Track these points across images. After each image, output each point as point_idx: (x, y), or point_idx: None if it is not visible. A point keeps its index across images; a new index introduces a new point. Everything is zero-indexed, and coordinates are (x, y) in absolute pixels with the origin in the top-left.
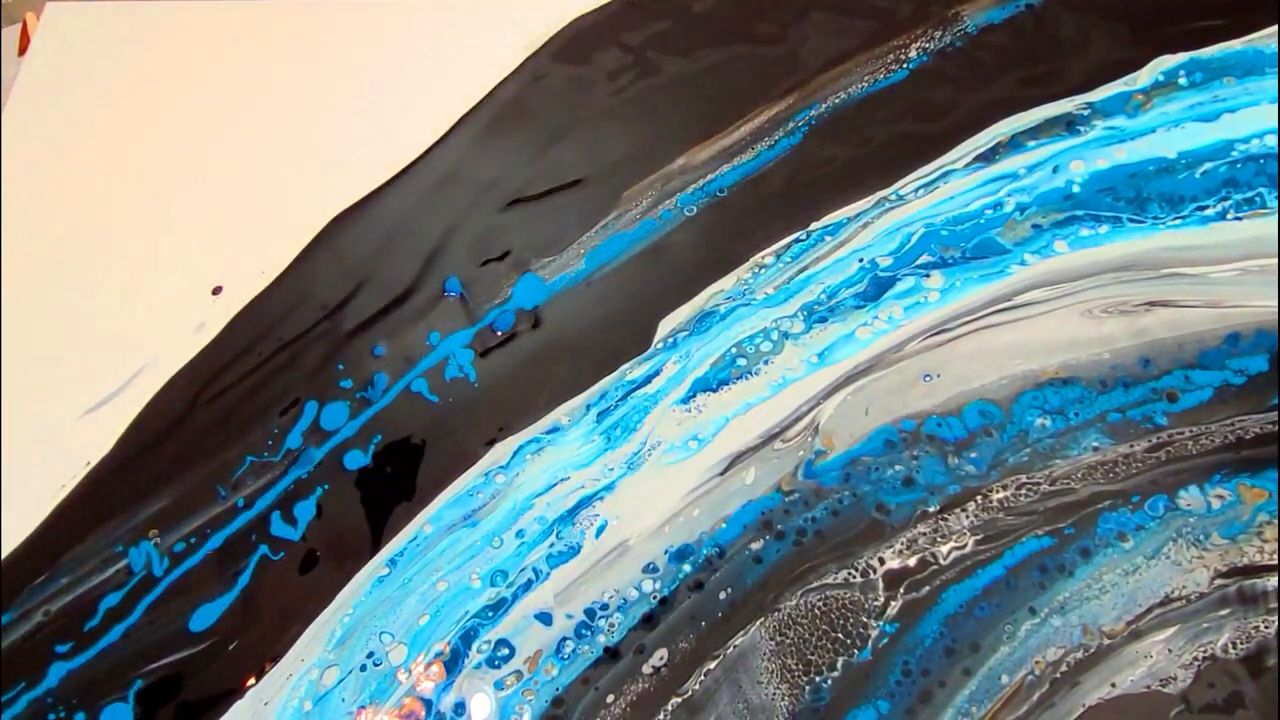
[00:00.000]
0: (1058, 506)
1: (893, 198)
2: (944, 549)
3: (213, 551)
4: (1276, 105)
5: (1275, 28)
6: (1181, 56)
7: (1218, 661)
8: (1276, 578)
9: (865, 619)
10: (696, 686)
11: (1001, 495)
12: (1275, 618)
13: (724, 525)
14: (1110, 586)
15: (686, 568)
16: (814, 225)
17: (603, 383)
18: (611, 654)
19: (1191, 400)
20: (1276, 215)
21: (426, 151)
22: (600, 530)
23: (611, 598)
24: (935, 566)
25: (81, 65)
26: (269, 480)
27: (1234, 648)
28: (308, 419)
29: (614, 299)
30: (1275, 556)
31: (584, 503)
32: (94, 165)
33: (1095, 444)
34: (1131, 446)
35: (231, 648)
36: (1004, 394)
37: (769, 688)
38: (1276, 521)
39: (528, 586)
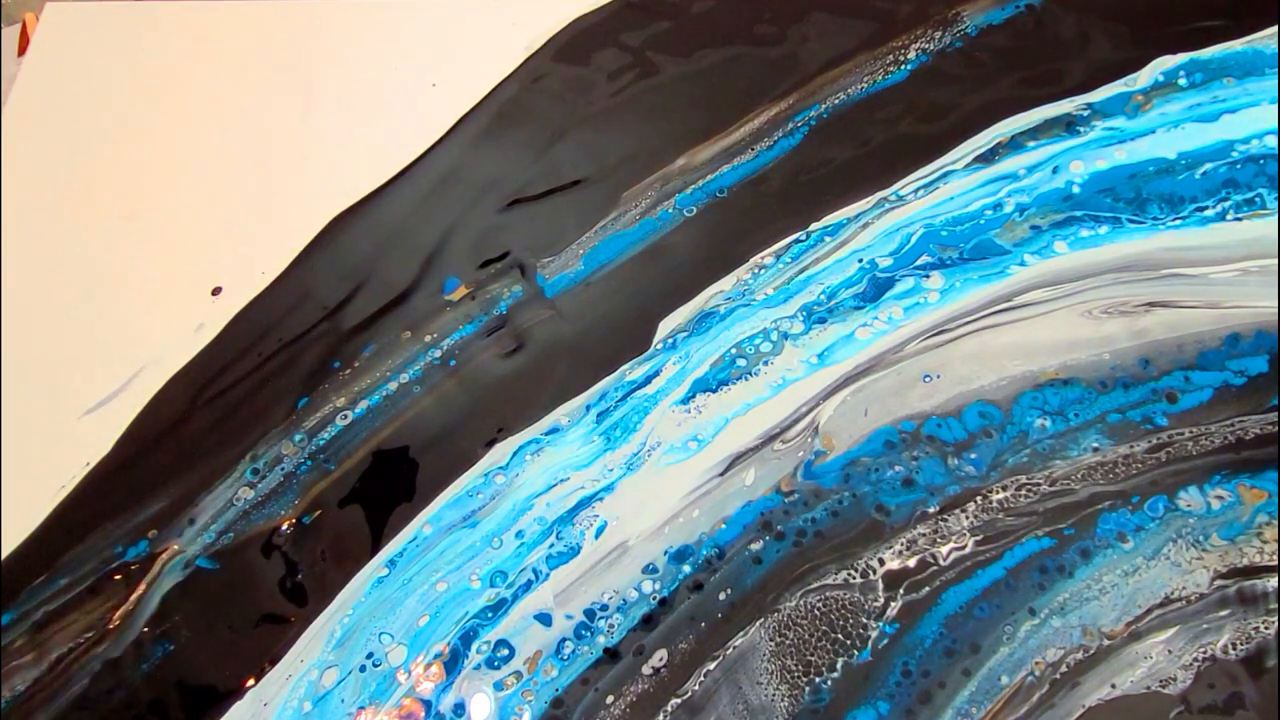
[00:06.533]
0: (1058, 507)
1: (892, 198)
2: (944, 550)
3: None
4: (1276, 105)
5: (1275, 28)
6: (1181, 57)
7: (1218, 662)
8: (1276, 578)
9: (865, 620)
10: (696, 687)
11: (1001, 496)
12: (1275, 618)
13: (724, 526)
14: (1110, 587)
15: (686, 568)
16: (814, 226)
17: (602, 383)
18: (611, 655)
19: (1191, 401)
20: (1276, 216)
21: (426, 151)
22: (600, 531)
23: (611, 598)
24: (935, 567)
25: (81, 65)
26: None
27: (1234, 649)
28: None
29: (614, 299)
30: (1275, 557)
31: (583, 503)
32: (94, 165)
33: (1095, 445)
34: (1131, 447)
35: (232, 648)
36: (1004, 395)
37: (769, 688)
38: (1276, 522)
39: (527, 587)
